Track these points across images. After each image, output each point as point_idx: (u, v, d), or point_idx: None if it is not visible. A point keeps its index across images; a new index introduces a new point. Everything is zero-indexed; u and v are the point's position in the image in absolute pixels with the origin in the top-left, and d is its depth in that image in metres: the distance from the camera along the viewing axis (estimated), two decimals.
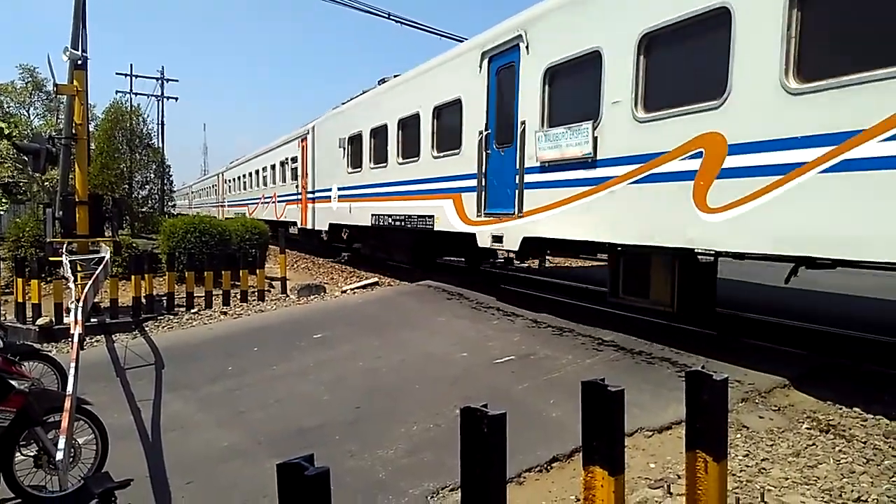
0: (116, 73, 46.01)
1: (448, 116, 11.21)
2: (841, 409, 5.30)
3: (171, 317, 10.91)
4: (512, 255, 12.73)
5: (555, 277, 13.97)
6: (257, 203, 28.67)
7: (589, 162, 7.70)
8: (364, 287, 13.53)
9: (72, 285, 7.95)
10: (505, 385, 6.32)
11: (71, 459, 4.24)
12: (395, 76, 14.19)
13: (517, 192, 9.09)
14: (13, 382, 4.31)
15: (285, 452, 2.54)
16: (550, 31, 8.48)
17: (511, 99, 9.25)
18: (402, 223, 13.00)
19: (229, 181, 38.74)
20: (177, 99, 45.49)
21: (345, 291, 13.04)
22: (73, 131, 11.42)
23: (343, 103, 17.36)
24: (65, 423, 3.88)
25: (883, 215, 4.82)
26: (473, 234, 10.31)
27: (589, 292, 11.28)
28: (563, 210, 8.21)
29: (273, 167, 25.68)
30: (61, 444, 3.78)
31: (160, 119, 42.88)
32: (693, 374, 2.75)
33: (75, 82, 11.12)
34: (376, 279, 14.45)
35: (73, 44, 11.29)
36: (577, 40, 7.88)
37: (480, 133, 9.98)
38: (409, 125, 12.59)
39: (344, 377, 7.04)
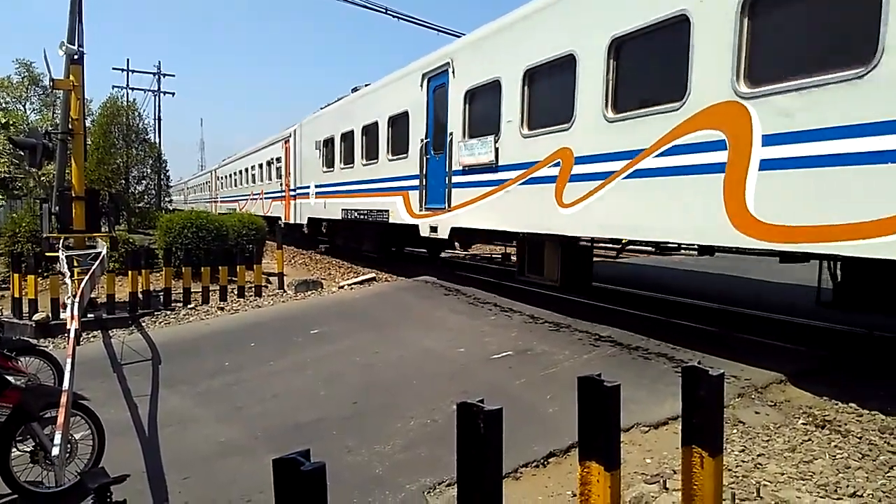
0: (113, 69, 45.74)
1: (399, 126, 13.05)
2: (837, 404, 5.32)
3: (168, 312, 10.90)
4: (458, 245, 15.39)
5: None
6: (247, 199, 30.36)
7: (493, 167, 9.63)
8: (361, 282, 13.53)
9: (68, 281, 7.94)
10: (502, 380, 6.33)
11: (67, 455, 4.23)
12: (365, 85, 15.96)
13: (447, 190, 10.97)
14: (9, 378, 4.31)
15: (282, 447, 2.53)
16: (468, 62, 10.49)
17: (443, 113, 11.13)
18: (366, 217, 14.92)
19: (222, 178, 40.36)
20: (174, 94, 45.03)
21: (342, 287, 13.03)
22: (70, 126, 11.38)
23: (322, 108, 19.24)
24: (61, 419, 3.87)
25: (653, 209, 6.93)
26: (417, 225, 12.22)
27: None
28: (478, 205, 10.16)
29: (261, 166, 27.70)
30: (57, 439, 3.77)
31: (157, 114, 42.73)
32: (689, 369, 2.75)
33: (71, 77, 11.07)
34: (373, 275, 14.45)
35: (69, 38, 11.23)
36: (485, 70, 9.84)
37: (422, 141, 11.86)
38: (371, 132, 14.53)
39: (341, 372, 7.04)
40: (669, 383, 5.71)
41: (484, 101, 10.04)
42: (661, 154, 6.74)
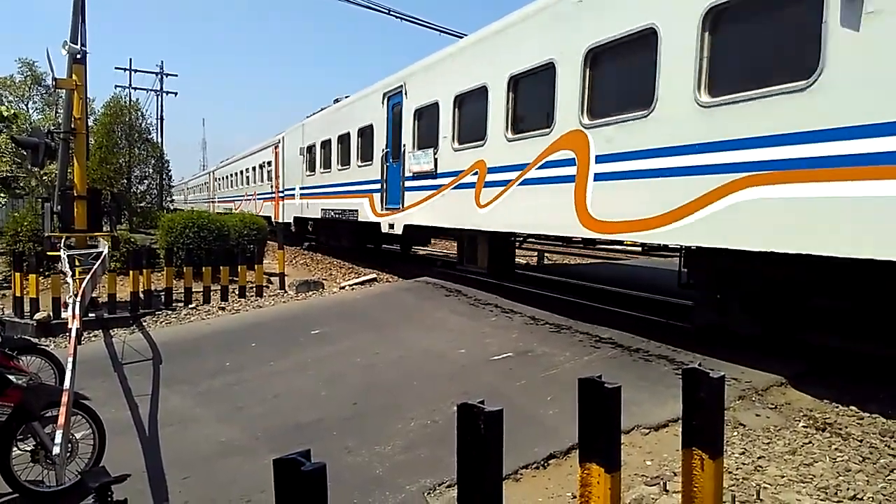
0: (116, 68, 45.34)
1: (366, 136, 15.15)
2: (837, 407, 5.31)
3: (169, 312, 10.91)
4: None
5: (551, 274, 14.02)
6: (242, 200, 32.66)
7: (433, 174, 11.56)
8: (362, 283, 13.55)
9: (70, 280, 7.95)
10: (503, 382, 6.33)
11: (68, 454, 4.24)
12: (345, 97, 17.98)
13: (402, 193, 12.93)
14: (10, 377, 4.31)
15: (283, 448, 2.54)
16: (417, 85, 12.49)
17: (399, 128, 13.13)
18: (340, 215, 16.99)
19: (219, 179, 43.04)
20: (176, 94, 45.05)
21: (343, 287, 13.04)
22: (72, 125, 11.40)
23: (306, 117, 21.37)
24: (62, 418, 3.87)
25: (535, 209, 8.90)
26: (379, 223, 14.16)
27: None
28: (423, 206, 12.11)
29: (254, 169, 30.21)
30: (58, 438, 3.77)
31: (159, 114, 42.76)
32: (690, 371, 2.75)
33: (74, 76, 11.09)
34: (374, 275, 14.47)
35: (72, 38, 11.25)
36: (429, 93, 11.87)
37: (383, 150, 13.97)
38: (345, 141, 16.70)
39: (342, 373, 7.04)
40: (670, 385, 5.71)
41: (428, 119, 12.01)
42: (540, 167, 8.70)
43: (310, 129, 20.23)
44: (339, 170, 16.97)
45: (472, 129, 10.51)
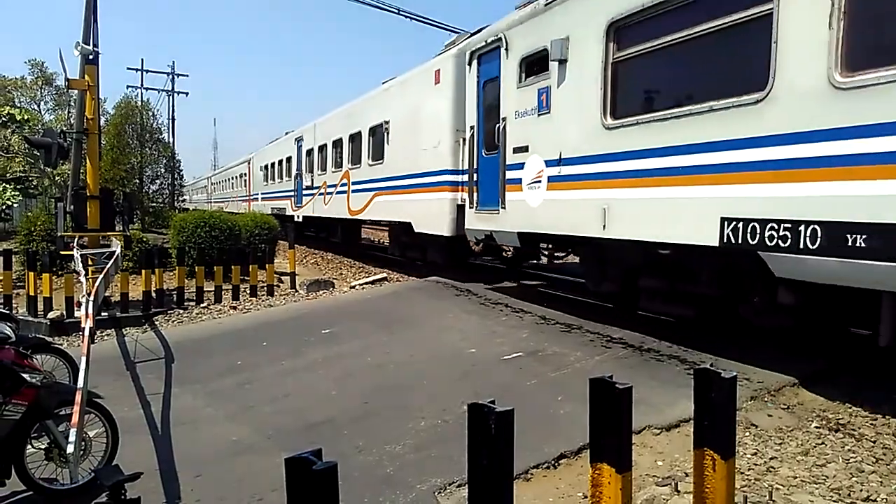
0: (128, 69, 45.68)
1: (290, 162, 24.48)
2: (850, 408, 5.27)
3: (181, 311, 10.97)
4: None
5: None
6: (229, 201, 42.28)
7: (313, 187, 20.02)
8: (372, 282, 13.57)
9: (83, 279, 8.00)
10: (513, 381, 6.33)
11: (82, 452, 4.27)
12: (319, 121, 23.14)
13: (301, 197, 22.15)
14: (25, 375, 4.35)
15: (294, 447, 2.55)
16: (313, 132, 20.70)
17: (305, 159, 21.98)
18: (279, 212, 25.00)
19: (215, 184, 55.59)
20: (187, 94, 45.52)
21: (353, 287, 13.07)
22: (85, 126, 11.48)
23: (266, 146, 31.88)
24: (75, 417, 3.90)
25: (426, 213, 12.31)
26: (293, 216, 23.43)
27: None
28: (313, 204, 20.35)
29: (235, 177, 41.23)
30: (72, 436, 3.81)
31: (171, 114, 43.03)
32: (701, 371, 2.74)
33: (86, 77, 11.17)
34: (385, 275, 14.49)
35: (84, 38, 11.34)
36: (317, 139, 19.86)
37: (295, 170, 23.22)
38: (281, 163, 26.31)
39: (352, 372, 7.06)
40: (681, 385, 5.68)
41: (322, 153, 19.49)
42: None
43: (263, 154, 31.24)
44: (277, 182, 26.95)
45: (354, 155, 17.01)
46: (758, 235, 5.43)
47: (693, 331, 7.65)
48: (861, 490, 3.89)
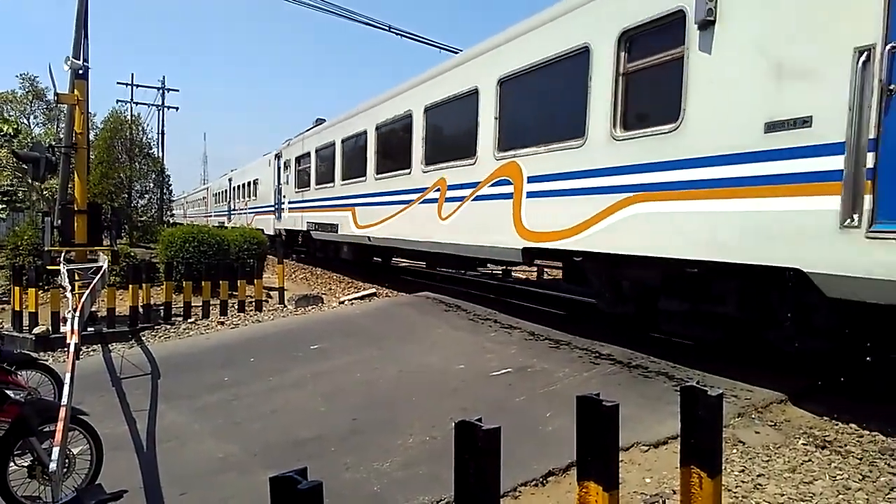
0: (118, 83, 45.37)
1: (261, 184, 27.70)
2: (837, 425, 5.31)
3: (168, 327, 10.90)
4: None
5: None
6: (210, 216, 46.17)
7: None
8: (362, 298, 13.54)
9: (69, 294, 7.94)
10: (501, 397, 6.31)
11: (65, 470, 4.22)
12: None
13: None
14: (9, 392, 4.31)
15: (281, 464, 2.54)
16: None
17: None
18: (249, 223, 28.84)
19: (190, 202, 63.54)
20: (177, 109, 45.56)
21: (342, 302, 13.04)
22: (73, 140, 11.46)
23: (243, 168, 36.05)
24: (59, 435, 3.86)
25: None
26: (262, 229, 23.22)
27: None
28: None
29: (215, 195, 45.60)
30: (55, 454, 3.76)
31: (160, 129, 42.99)
32: (687, 389, 2.75)
33: (76, 91, 11.17)
34: (374, 290, 14.46)
35: (74, 53, 11.35)
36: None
37: (273, 189, 24.78)
38: (251, 184, 29.99)
39: (341, 388, 7.02)
40: (670, 402, 5.69)
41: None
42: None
43: (239, 175, 35.50)
44: (247, 201, 31.39)
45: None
46: None
47: (682, 347, 7.69)
48: None
